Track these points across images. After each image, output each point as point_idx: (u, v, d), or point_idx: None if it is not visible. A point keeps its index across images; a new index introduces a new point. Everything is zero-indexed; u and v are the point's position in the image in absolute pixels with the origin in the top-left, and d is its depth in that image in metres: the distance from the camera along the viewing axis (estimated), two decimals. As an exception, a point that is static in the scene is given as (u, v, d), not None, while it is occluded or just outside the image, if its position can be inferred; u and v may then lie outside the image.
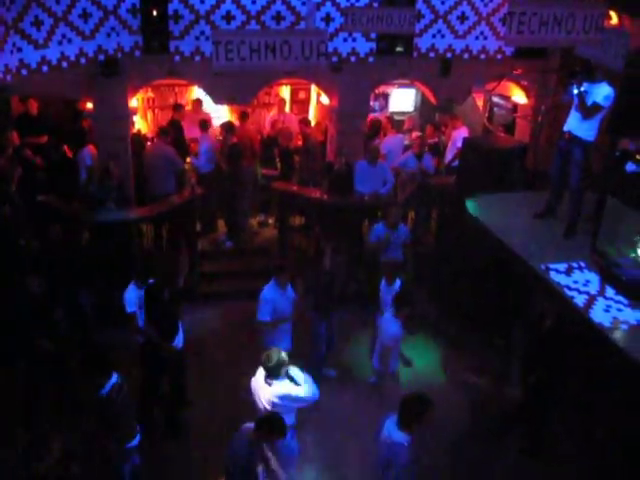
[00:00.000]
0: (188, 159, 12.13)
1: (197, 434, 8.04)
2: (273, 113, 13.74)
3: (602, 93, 7.69)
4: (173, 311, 7.79)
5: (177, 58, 10.58)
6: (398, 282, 8.55)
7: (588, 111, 7.77)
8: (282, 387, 6.29)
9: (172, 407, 8.12)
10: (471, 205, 9.03)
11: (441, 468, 7.28)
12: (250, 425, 5.81)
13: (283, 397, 6.26)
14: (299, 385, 6.31)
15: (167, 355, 7.69)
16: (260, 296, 7.80)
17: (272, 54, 7.37)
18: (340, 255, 8.92)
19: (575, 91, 7.80)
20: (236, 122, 12.40)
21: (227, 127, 11.65)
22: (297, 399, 6.32)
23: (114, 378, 6.17)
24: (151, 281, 7.59)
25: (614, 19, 9.63)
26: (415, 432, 5.67)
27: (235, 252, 11.71)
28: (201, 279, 11.07)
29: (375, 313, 8.69)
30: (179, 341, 7.81)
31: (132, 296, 7.68)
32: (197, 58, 10.65)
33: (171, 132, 11.42)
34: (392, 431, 5.76)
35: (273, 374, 6.28)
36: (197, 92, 13.39)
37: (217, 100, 11.57)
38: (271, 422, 5.73)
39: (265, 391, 6.33)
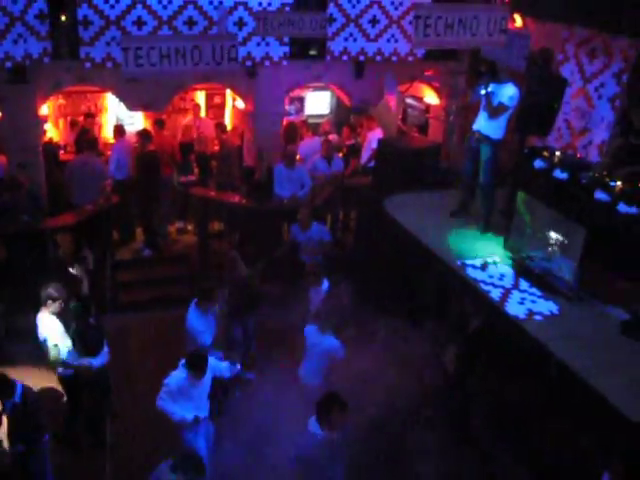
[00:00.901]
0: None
1: (123, 447, 7.80)
2: (189, 119, 13.62)
3: (507, 93, 7.95)
4: (97, 326, 7.59)
5: (88, 64, 10.35)
6: (326, 283, 8.42)
7: (494, 111, 8.03)
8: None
9: (95, 422, 7.90)
10: (387, 205, 9.16)
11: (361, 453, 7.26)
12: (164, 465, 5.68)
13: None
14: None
15: (87, 375, 7.46)
16: (186, 326, 7.53)
17: (182, 59, 7.35)
18: (256, 262, 8.79)
19: (482, 92, 8.05)
20: (152, 130, 12.24)
21: (143, 134, 11.41)
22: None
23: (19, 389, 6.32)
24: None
25: (518, 22, 9.98)
26: (334, 427, 6.00)
27: (154, 260, 11.53)
28: (120, 288, 10.83)
29: (301, 317, 8.43)
30: (104, 357, 7.56)
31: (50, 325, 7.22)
32: (109, 64, 10.43)
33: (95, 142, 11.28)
34: (313, 426, 6.06)
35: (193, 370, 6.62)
36: (111, 99, 13.17)
37: (131, 107, 11.39)
38: (189, 461, 5.65)
39: None
